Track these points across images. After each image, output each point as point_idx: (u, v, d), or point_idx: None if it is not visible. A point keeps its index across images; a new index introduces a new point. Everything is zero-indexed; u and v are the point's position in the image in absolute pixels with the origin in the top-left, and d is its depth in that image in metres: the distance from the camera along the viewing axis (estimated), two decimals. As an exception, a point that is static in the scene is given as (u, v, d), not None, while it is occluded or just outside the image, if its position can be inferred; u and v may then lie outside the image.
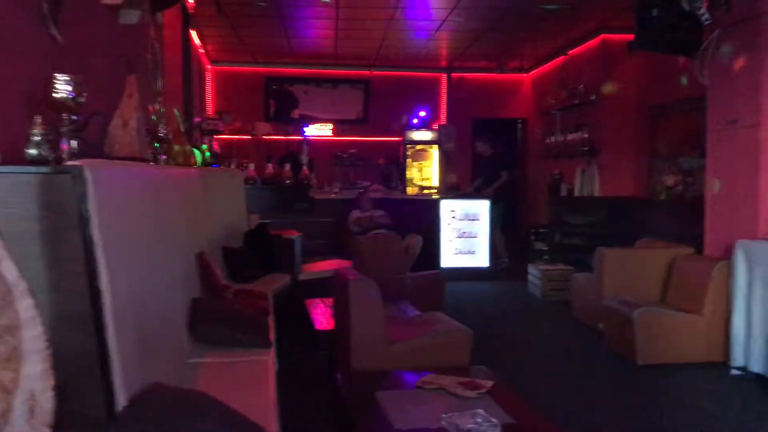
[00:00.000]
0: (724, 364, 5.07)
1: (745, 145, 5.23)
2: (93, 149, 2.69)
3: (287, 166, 9.41)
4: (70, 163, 1.95)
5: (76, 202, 1.91)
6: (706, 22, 5.34)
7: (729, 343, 5.01)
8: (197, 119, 9.32)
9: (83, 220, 1.92)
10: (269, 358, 3.30)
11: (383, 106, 12.55)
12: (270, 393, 2.82)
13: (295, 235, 6.44)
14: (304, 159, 9.63)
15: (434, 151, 12.45)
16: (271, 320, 4.01)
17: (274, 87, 12.44)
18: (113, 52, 4.05)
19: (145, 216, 2.73)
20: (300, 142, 10.82)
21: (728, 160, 5.49)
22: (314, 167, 10.14)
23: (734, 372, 4.95)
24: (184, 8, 7.76)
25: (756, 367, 4.79)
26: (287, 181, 9.24)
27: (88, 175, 1.93)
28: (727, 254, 5.15)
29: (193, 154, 5.60)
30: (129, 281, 2.25)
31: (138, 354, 2.23)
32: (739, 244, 4.98)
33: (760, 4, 5.03)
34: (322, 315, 5.25)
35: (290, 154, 10.19)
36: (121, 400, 1.97)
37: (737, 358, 4.94)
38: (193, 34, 9.21)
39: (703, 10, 5.27)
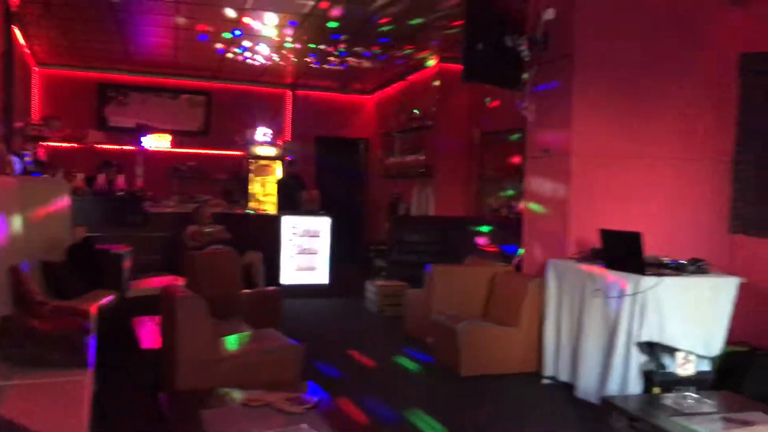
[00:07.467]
0: (537, 374, 5.50)
1: (557, 173, 5.74)
2: None
3: (100, 177, 8.96)
4: None
5: None
6: (527, 59, 5.84)
7: (541, 354, 5.45)
8: (19, 124, 8.67)
9: None
10: (85, 378, 3.15)
11: (226, 119, 12.34)
12: (83, 415, 2.70)
13: (123, 249, 6.17)
14: (139, 170, 9.24)
15: (278, 168, 12.41)
16: (89, 338, 3.81)
17: (110, 94, 11.82)
18: None
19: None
20: (135, 152, 10.37)
21: (543, 186, 5.99)
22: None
23: (545, 381, 5.38)
24: (6, 4, 7.21)
25: (564, 377, 5.23)
26: (120, 193, 8.82)
27: None
28: (542, 272, 5.61)
29: (10, 161, 5.22)
30: None
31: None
32: (550, 263, 5.45)
33: (569, 46, 5.58)
34: (149, 333, 5.06)
35: (105, 163, 9.64)
36: None
37: (548, 368, 5.37)
38: (17, 32, 8.56)
39: (523, 48, 5.75)
